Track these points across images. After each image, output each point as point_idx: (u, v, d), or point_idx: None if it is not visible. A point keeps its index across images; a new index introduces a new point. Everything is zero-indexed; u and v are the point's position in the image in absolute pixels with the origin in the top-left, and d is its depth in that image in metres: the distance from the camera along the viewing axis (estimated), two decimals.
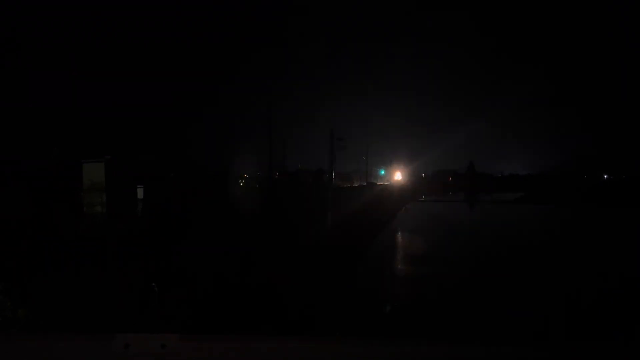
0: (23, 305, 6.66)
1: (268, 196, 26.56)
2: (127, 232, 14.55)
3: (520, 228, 38.97)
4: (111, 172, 18.83)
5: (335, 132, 46.58)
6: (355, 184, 70.24)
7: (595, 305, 13.67)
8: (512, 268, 19.89)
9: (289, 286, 12.33)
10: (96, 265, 10.10)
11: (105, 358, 1.69)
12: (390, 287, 17.31)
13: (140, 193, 22.18)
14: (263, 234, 16.43)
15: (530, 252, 24.48)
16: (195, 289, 10.09)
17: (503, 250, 24.87)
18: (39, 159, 23.67)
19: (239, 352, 1.76)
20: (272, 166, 40.82)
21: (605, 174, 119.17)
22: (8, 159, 17.60)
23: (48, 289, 8.10)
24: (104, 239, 12.77)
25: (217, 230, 15.32)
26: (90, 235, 13.40)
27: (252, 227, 16.92)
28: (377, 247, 26.35)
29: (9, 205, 15.66)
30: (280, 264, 13.92)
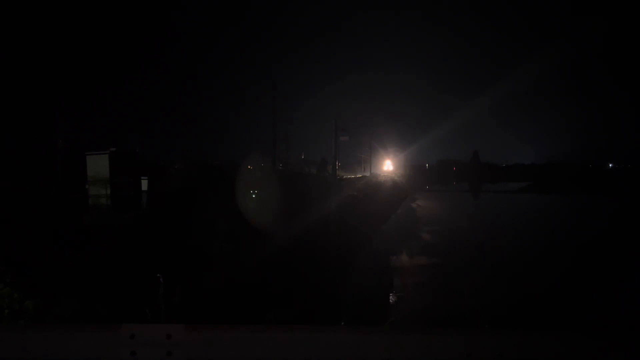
0: (30, 297, 6.71)
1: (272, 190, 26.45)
2: (132, 224, 14.61)
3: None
4: (115, 164, 18.82)
5: (339, 122, 46.20)
6: (359, 175, 70.04)
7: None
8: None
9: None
10: (101, 257, 10.16)
11: (112, 348, 1.71)
12: None
13: (144, 185, 22.22)
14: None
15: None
16: (198, 281, 10.12)
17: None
18: (44, 152, 23.76)
19: (244, 341, 1.76)
20: (276, 158, 40.92)
21: (611, 163, 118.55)
22: (14, 152, 17.67)
23: (54, 281, 8.16)
24: (109, 231, 12.83)
25: (220, 224, 15.35)
26: (95, 226, 13.46)
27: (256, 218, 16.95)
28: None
29: (14, 197, 15.75)
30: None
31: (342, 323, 11.63)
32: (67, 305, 7.38)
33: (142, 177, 22.24)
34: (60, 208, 16.80)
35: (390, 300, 14.24)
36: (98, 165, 18.78)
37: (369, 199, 36.06)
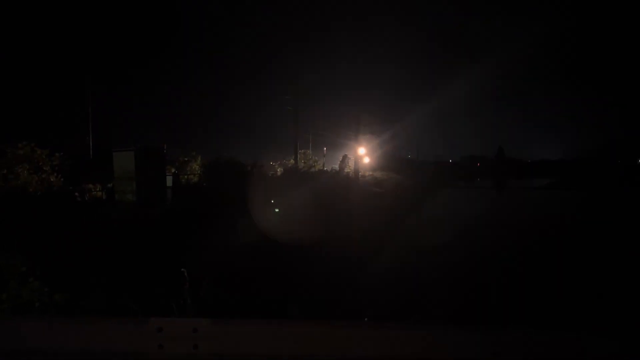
0: (59, 290, 6.87)
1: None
2: (158, 219, 14.84)
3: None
4: (141, 161, 19.15)
5: (361, 118, 45.85)
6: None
7: None
8: None
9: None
10: (129, 252, 10.34)
11: (139, 341, 1.72)
12: None
13: (169, 181, 22.61)
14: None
15: None
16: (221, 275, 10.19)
17: None
18: (71, 148, 24.30)
19: (269, 336, 1.76)
20: (297, 155, 41.07)
21: None
22: (42, 146, 18.14)
23: (82, 274, 8.33)
24: (136, 226, 13.04)
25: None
26: (122, 222, 13.70)
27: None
28: None
29: (42, 191, 16.15)
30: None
31: (366, 319, 11.59)
32: (94, 299, 7.53)
33: (167, 174, 22.65)
34: (87, 204, 17.17)
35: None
36: (124, 161, 19.14)
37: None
